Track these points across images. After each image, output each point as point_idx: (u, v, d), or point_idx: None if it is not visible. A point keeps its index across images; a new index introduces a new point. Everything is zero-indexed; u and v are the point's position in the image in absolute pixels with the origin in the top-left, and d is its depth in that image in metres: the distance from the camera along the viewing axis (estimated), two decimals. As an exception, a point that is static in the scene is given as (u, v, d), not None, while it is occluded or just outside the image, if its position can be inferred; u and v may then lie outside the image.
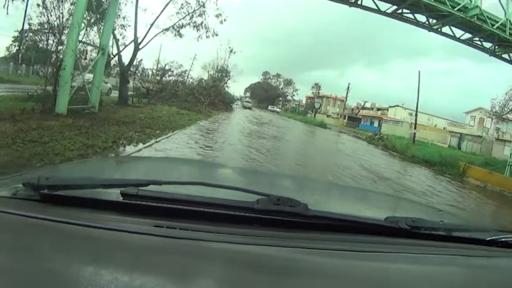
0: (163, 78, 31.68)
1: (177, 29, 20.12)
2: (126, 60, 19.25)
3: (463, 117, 52.80)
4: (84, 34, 13.56)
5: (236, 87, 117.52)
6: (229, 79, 44.30)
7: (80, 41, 13.01)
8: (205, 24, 20.78)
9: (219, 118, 25.43)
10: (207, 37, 21.29)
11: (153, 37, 19.60)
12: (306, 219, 1.04)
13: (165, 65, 34.58)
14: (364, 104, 63.24)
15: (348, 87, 58.70)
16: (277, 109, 71.01)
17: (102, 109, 15.36)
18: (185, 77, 35.66)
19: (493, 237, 1.27)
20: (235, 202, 1.04)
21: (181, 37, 20.67)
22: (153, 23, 19.03)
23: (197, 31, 20.73)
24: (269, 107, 71.01)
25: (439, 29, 17.01)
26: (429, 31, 17.05)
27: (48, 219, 0.89)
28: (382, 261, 1.02)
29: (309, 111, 66.46)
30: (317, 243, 1.01)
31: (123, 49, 19.14)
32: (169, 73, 33.75)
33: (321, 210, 1.10)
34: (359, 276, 0.92)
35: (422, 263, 1.06)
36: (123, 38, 19.43)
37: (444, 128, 48.86)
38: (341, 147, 22.29)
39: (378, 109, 64.93)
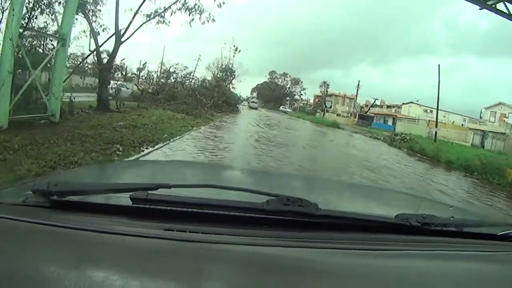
0: (168, 81, 28.69)
1: (163, 14, 16.30)
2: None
3: (477, 113, 49.50)
4: (30, 18, 9.92)
5: (243, 88, 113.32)
6: (233, 78, 40.73)
7: (24, 28, 9.47)
8: (199, 6, 16.96)
9: (222, 123, 21.43)
10: (202, 23, 17.49)
11: (139, 26, 15.89)
12: (316, 218, 1.00)
13: (170, 67, 32.10)
14: (375, 101, 59.75)
15: (358, 85, 54.94)
16: (288, 109, 68.71)
17: (69, 117, 11.78)
18: (190, 79, 32.80)
19: (504, 232, 1.22)
20: (244, 204, 1.00)
21: (168, 25, 16.91)
22: (138, 10, 15.34)
23: (189, 14, 16.94)
24: (281, 108, 68.75)
25: (493, 5, 13.08)
26: (481, 8, 13.13)
27: (58, 225, 0.87)
28: (393, 258, 0.98)
29: (317, 110, 63.19)
30: (328, 243, 0.98)
31: (103, 43, 15.42)
32: (174, 75, 30.94)
33: (331, 209, 1.08)
34: (372, 275, 0.88)
35: (434, 259, 1.01)
36: (103, 31, 15.73)
37: (462, 125, 45.08)
38: (364, 152, 18.22)
39: (388, 106, 61.52)
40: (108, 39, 15.40)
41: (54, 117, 10.48)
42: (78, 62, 16.96)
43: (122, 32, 15.14)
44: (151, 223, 0.93)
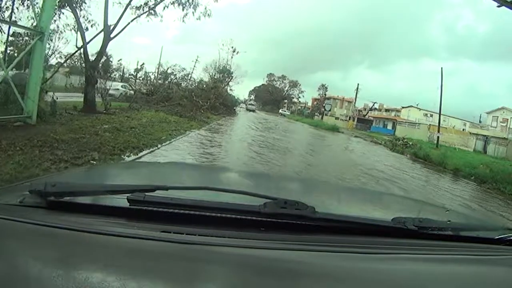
0: (166, 81, 27.81)
1: (153, 6, 15.14)
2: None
3: (476, 117, 49.09)
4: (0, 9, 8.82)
5: (241, 90, 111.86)
6: (231, 79, 39.61)
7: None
8: (193, 0, 15.83)
9: (217, 126, 20.20)
10: (197, 18, 16.42)
11: (130, 21, 14.74)
12: (313, 221, 1.00)
13: (167, 68, 31.42)
14: (373, 105, 58.86)
15: (358, 88, 54.00)
16: (287, 112, 68.04)
17: (50, 119, 10.67)
18: (187, 80, 31.97)
19: (501, 236, 1.20)
20: (242, 206, 1.00)
21: (161, 20, 15.82)
22: (128, 3, 14.21)
23: (183, 9, 15.82)
24: (280, 111, 67.92)
25: None
26: (499, 5, 12.12)
27: (55, 226, 0.86)
28: (390, 262, 0.97)
29: (316, 113, 62.27)
30: (325, 246, 0.97)
31: (91, 39, 14.25)
32: (172, 76, 30.02)
33: (328, 212, 1.07)
34: (368, 278, 0.87)
35: (431, 263, 1.00)
36: (91, 26, 14.60)
37: (463, 129, 44.13)
38: (367, 159, 17.10)
39: (386, 110, 60.62)
40: (96, 35, 14.31)
41: (30, 119, 9.41)
42: (63, 61, 15.76)
43: (111, 27, 14.04)
44: (148, 225, 0.91)
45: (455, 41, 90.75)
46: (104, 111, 14.42)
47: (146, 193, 0.95)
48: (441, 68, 31.04)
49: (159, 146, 9.53)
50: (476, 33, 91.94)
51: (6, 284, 0.65)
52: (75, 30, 14.41)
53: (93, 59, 14.59)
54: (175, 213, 0.95)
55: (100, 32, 14.13)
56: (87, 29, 14.40)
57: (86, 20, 14.44)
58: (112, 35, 14.01)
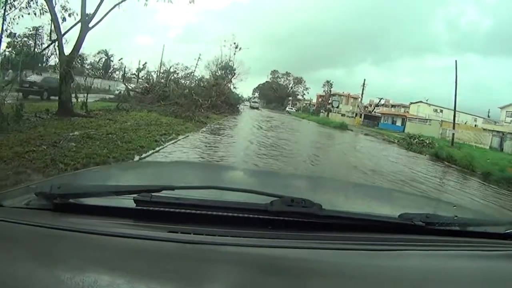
0: (162, 80, 26.01)
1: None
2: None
3: (483, 112, 47.39)
4: None
5: (244, 88, 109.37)
6: (233, 76, 37.49)
7: None
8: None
9: (217, 127, 17.99)
10: (190, 1, 14.33)
11: (112, 8, 12.57)
12: (320, 219, 0.98)
13: (170, 67, 30.28)
14: (380, 101, 56.42)
15: (364, 83, 51.70)
16: (294, 109, 66.73)
17: (11, 124, 8.63)
18: (189, 78, 30.38)
19: (508, 230, 1.17)
20: (248, 205, 0.98)
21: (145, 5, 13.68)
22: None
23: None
24: (287, 108, 66.76)
25: None
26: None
27: (61, 228, 0.85)
28: (397, 258, 0.96)
29: (321, 110, 60.08)
30: (332, 243, 0.96)
31: (68, 31, 12.16)
32: (174, 75, 28.42)
33: (335, 209, 1.05)
34: (376, 275, 0.86)
35: (438, 259, 0.98)
36: (69, 16, 12.50)
37: (475, 125, 41.75)
38: (391, 162, 14.90)
39: (393, 106, 58.21)
40: (74, 25, 12.20)
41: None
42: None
43: (91, 16, 11.91)
44: (155, 225, 0.89)
45: (459, 36, 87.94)
46: (85, 113, 12.29)
47: (153, 194, 0.92)
48: (455, 61, 28.75)
49: (136, 158, 7.37)
50: (479, 28, 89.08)
51: (14, 286, 0.63)
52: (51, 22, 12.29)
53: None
54: (182, 213, 0.93)
55: (78, 22, 12.01)
56: (64, 19, 12.34)
57: (62, 8, 12.36)
58: (90, 25, 11.92)
